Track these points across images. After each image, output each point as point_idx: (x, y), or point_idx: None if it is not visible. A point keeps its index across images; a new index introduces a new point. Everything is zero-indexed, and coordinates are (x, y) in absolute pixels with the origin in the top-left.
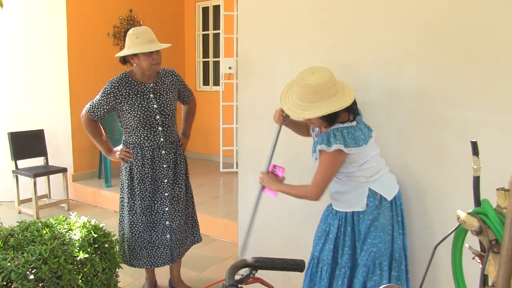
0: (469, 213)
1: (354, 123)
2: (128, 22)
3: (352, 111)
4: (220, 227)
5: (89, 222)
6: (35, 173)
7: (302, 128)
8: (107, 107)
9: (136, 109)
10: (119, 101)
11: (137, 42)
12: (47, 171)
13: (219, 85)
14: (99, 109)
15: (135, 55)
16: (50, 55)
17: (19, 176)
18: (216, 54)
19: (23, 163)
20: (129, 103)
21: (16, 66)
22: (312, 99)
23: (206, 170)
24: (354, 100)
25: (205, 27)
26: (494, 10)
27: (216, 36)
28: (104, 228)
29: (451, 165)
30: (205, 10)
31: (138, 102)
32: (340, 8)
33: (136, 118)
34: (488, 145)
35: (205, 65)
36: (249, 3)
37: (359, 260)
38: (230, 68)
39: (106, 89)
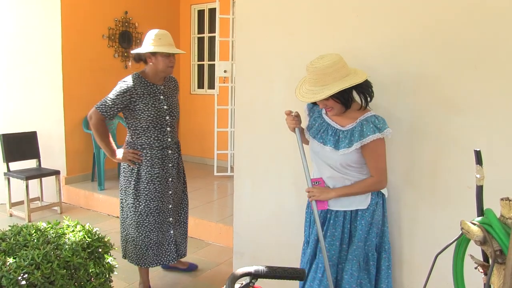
0: (472, 223)
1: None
2: (123, 24)
3: (368, 93)
4: (214, 232)
5: (83, 226)
6: (28, 175)
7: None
8: (121, 107)
9: (149, 109)
10: (134, 100)
11: (159, 42)
12: (39, 173)
13: (213, 89)
14: (112, 108)
15: (154, 54)
16: (44, 56)
17: (11, 178)
18: (211, 57)
19: (15, 166)
20: (143, 102)
21: (10, 67)
22: (324, 81)
23: (201, 174)
24: (369, 82)
25: (201, 30)
26: (495, 13)
27: (212, 39)
28: (98, 233)
29: (451, 171)
30: (200, 13)
31: (152, 102)
32: (339, 11)
33: (149, 118)
34: (488, 152)
35: (200, 68)
36: (246, 6)
37: (350, 256)
38: (225, 71)
39: (122, 88)
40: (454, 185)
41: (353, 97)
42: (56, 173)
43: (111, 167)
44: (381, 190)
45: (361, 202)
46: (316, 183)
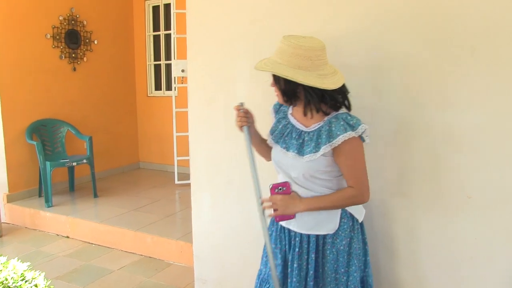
0: None
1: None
2: (69, 22)
3: (336, 103)
4: (175, 250)
5: (8, 263)
6: None
7: (263, 146)
8: None
9: None
10: None
11: None
12: None
13: (171, 90)
14: None
15: None
16: None
17: None
18: (169, 56)
19: None
20: None
21: None
22: (283, 58)
23: (160, 182)
24: (344, 92)
25: (156, 27)
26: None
27: (168, 37)
28: (28, 270)
29: (444, 177)
30: (155, 9)
31: None
32: (302, 3)
33: None
34: (489, 154)
35: (157, 68)
36: None
37: None
38: (183, 71)
39: None
40: (452, 194)
41: (313, 98)
42: None
43: (59, 180)
44: (354, 214)
45: (325, 225)
46: (280, 189)
